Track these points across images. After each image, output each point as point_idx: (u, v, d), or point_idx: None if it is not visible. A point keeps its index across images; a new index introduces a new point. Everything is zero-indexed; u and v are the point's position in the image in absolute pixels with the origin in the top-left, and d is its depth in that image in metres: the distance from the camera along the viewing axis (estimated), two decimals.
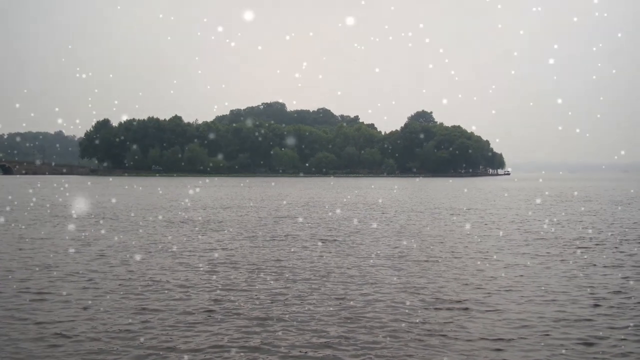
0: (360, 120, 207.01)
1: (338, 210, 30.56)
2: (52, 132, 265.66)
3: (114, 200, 38.49)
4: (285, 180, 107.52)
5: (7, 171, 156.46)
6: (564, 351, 7.16)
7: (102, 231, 19.94)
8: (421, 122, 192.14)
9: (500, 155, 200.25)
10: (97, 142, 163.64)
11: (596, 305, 9.38)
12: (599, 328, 8.12)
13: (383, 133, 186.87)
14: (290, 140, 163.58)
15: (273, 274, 12.02)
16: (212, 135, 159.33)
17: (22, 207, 31.30)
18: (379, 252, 15.24)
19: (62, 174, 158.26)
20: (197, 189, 61.12)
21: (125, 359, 6.85)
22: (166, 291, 10.29)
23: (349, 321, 8.38)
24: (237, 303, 9.42)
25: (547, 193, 55.36)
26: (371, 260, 13.77)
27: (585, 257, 14.57)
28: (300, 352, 7.12)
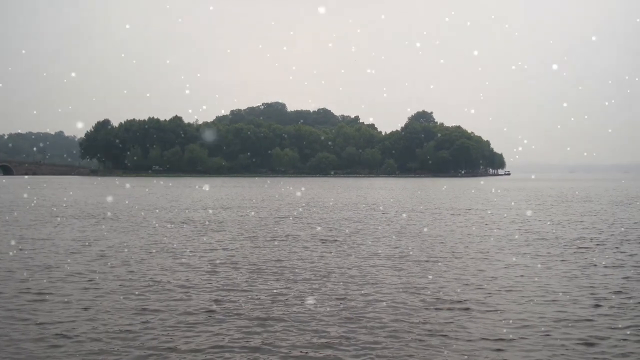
0: (361, 121, 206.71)
1: (339, 211, 30.56)
2: (53, 133, 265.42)
3: (114, 201, 38.50)
4: (285, 181, 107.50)
5: (8, 171, 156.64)
6: (564, 351, 7.16)
7: (103, 231, 19.95)
8: (422, 122, 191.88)
9: (501, 155, 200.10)
10: (97, 142, 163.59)
11: (597, 306, 9.38)
12: (600, 328, 8.12)
13: (383, 133, 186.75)
14: (291, 141, 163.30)
15: (274, 274, 12.02)
16: (212, 136, 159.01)
17: (22, 208, 31.32)
18: (379, 252, 15.24)
19: (62, 174, 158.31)
20: (198, 190, 61.12)
21: (126, 359, 6.85)
22: (167, 291, 10.29)
23: (349, 321, 8.38)
24: (237, 303, 9.43)
25: (547, 193, 55.35)
26: (372, 261, 13.77)
27: (586, 257, 14.57)
28: (301, 352, 7.12)
